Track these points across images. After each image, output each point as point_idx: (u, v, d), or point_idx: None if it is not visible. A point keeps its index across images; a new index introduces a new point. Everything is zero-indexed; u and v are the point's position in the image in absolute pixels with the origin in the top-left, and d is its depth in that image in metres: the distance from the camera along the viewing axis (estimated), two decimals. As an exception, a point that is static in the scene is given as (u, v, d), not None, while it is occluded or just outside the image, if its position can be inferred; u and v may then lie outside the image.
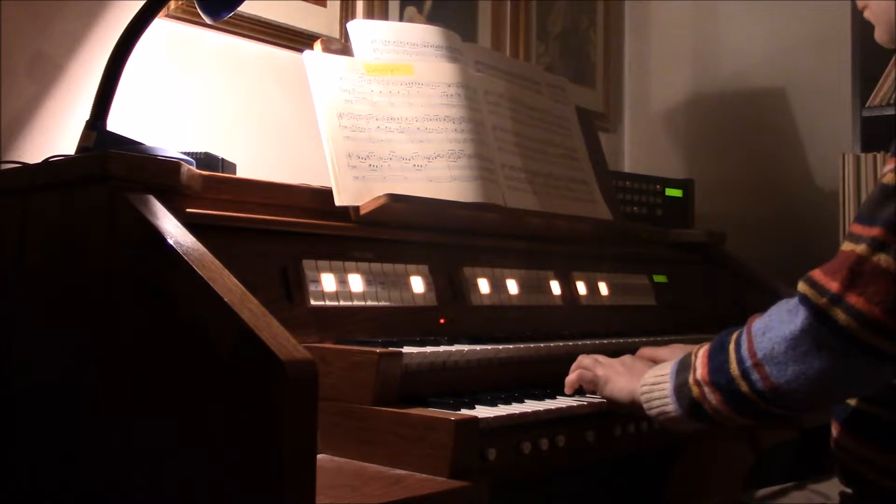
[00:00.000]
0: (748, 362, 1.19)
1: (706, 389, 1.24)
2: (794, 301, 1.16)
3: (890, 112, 2.46)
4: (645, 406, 1.34)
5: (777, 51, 2.93)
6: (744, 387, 1.19)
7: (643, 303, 2.14)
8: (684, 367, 1.29)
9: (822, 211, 2.71)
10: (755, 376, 1.18)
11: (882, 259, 1.10)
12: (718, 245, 2.42)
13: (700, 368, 1.26)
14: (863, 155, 2.47)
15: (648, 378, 1.35)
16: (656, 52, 3.24)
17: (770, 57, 2.94)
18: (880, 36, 1.40)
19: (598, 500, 1.89)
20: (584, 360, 1.50)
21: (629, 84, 3.30)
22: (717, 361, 1.23)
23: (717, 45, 3.08)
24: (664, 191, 2.56)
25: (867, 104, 2.51)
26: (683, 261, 2.35)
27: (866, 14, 1.41)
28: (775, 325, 1.17)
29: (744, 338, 1.21)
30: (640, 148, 3.27)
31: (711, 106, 3.08)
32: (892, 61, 2.44)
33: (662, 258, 2.29)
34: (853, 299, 1.10)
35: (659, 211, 2.53)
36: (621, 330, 1.93)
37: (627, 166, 3.25)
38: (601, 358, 1.49)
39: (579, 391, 1.53)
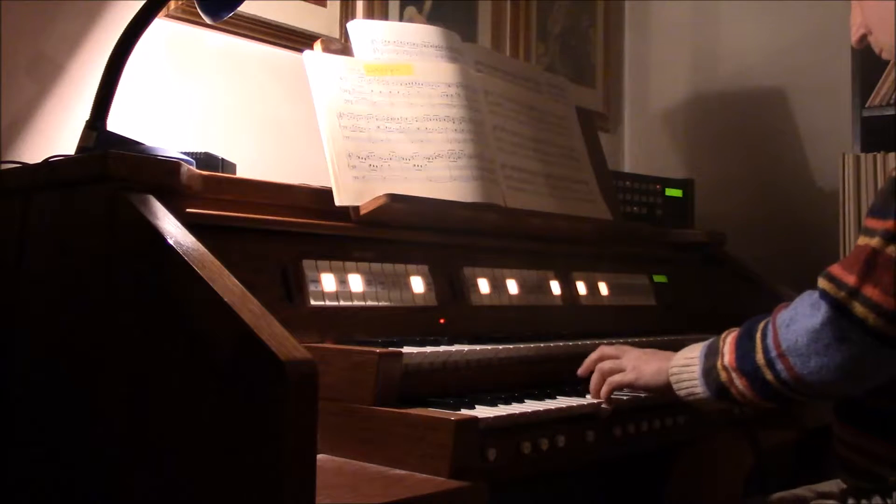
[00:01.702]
0: (773, 352, 1.24)
1: (733, 375, 1.31)
2: (817, 295, 1.22)
3: (890, 112, 2.46)
4: (675, 387, 1.40)
5: (777, 51, 2.92)
6: (769, 375, 1.25)
7: (643, 303, 2.14)
8: (713, 351, 1.35)
9: (822, 211, 2.71)
10: (780, 366, 1.24)
11: (894, 250, 1.14)
12: (718, 245, 2.42)
13: (728, 355, 1.32)
14: (863, 155, 2.46)
15: (679, 360, 1.41)
16: (656, 52, 3.24)
17: (770, 57, 2.94)
18: (889, 53, 1.43)
19: (598, 500, 1.89)
20: (606, 349, 1.54)
21: (629, 84, 3.30)
22: (744, 349, 1.29)
23: (717, 45, 3.08)
24: (664, 191, 2.56)
25: (867, 104, 2.51)
26: (683, 261, 2.35)
27: (884, 56, 1.44)
28: (799, 319, 1.22)
29: (769, 328, 1.26)
30: (640, 148, 3.27)
31: (711, 106, 3.08)
32: (892, 61, 2.44)
33: (662, 258, 2.29)
34: (869, 291, 1.15)
35: (659, 211, 2.53)
36: (621, 330, 1.93)
37: (627, 166, 3.25)
38: (624, 347, 1.53)
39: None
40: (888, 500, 1.30)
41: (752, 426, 1.88)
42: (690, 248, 2.38)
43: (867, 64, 2.50)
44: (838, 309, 1.17)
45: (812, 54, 2.83)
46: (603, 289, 2.02)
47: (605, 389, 1.48)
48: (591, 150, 2.17)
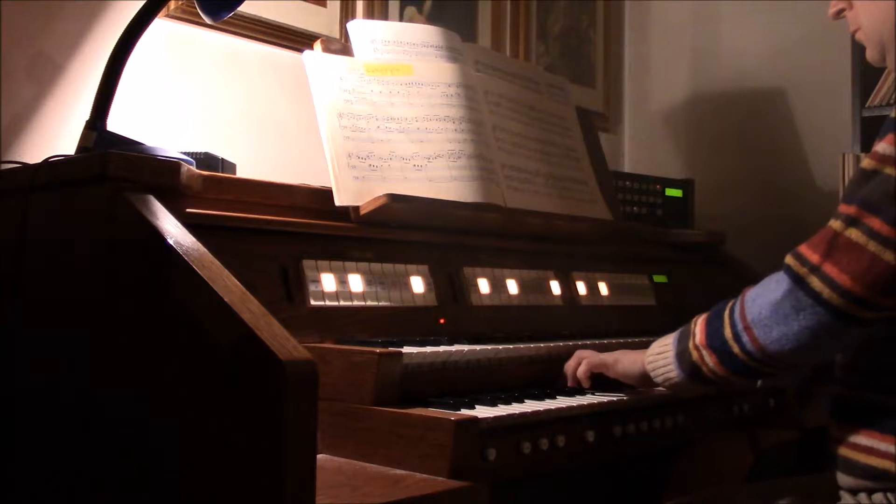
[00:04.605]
0: (739, 326, 1.33)
1: (704, 353, 1.38)
2: (782, 272, 1.31)
3: (890, 112, 2.46)
4: (652, 374, 1.48)
5: (777, 51, 2.92)
6: (735, 348, 1.33)
7: (643, 303, 2.14)
8: (685, 335, 1.43)
9: (822, 211, 2.68)
10: (745, 338, 1.32)
11: (853, 233, 1.23)
12: (718, 245, 2.42)
13: (699, 334, 1.40)
14: (863, 155, 2.46)
15: (654, 349, 1.49)
16: (656, 52, 3.24)
17: (770, 57, 2.94)
18: (871, 56, 1.50)
19: (598, 500, 1.89)
20: (582, 352, 1.62)
21: (629, 84, 3.30)
22: (713, 327, 1.38)
23: (717, 45, 3.08)
24: (664, 191, 2.56)
25: (867, 104, 2.51)
26: (683, 261, 2.35)
27: (858, 36, 1.52)
28: (763, 293, 1.32)
29: (737, 305, 1.35)
30: (640, 148, 3.26)
31: (711, 106, 3.08)
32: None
33: (662, 258, 2.29)
34: (828, 269, 1.24)
35: (659, 211, 2.53)
36: (621, 330, 1.93)
37: (627, 166, 3.25)
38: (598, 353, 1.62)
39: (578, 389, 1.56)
40: (889, 496, 1.30)
41: (752, 426, 1.88)
42: (690, 248, 2.38)
43: (867, 64, 2.49)
44: (798, 282, 1.26)
45: (812, 54, 2.83)
46: (603, 289, 2.02)
47: (582, 368, 1.58)
48: (591, 150, 2.17)
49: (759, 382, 1.72)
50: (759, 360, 1.32)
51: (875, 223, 1.22)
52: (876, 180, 1.25)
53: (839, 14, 1.53)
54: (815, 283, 1.24)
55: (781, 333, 1.27)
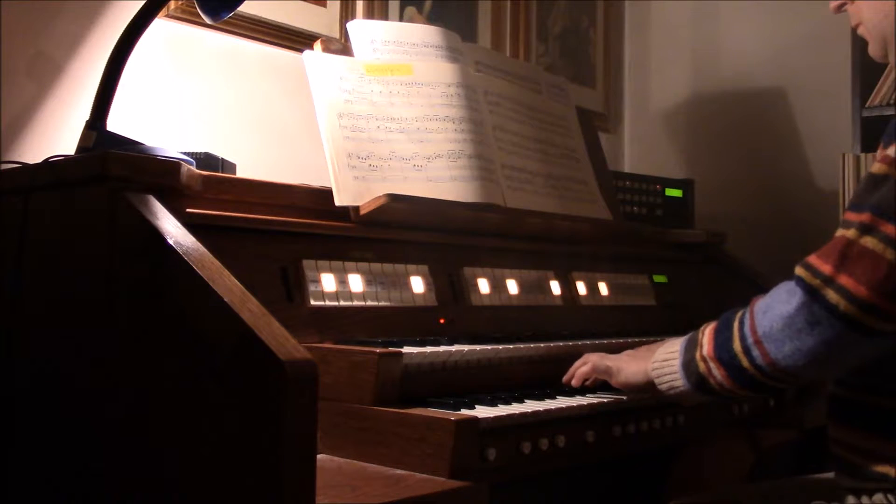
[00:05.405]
0: (750, 339, 1.28)
1: (712, 365, 1.34)
2: (793, 283, 1.26)
3: (890, 112, 2.46)
4: (656, 382, 1.43)
5: (777, 51, 2.92)
6: (745, 362, 1.29)
7: (643, 303, 2.14)
8: (692, 344, 1.39)
9: (822, 211, 2.71)
10: (756, 352, 1.27)
11: (868, 241, 1.19)
12: (718, 245, 2.42)
13: (706, 345, 1.35)
14: (863, 155, 2.46)
15: (659, 356, 1.44)
16: (656, 52, 3.24)
17: (770, 57, 2.94)
18: (874, 51, 1.49)
19: (598, 500, 1.89)
20: (590, 355, 1.57)
21: (629, 84, 3.30)
22: (722, 338, 1.33)
23: (717, 45, 3.08)
24: (664, 191, 2.56)
25: (867, 104, 2.50)
26: (683, 261, 2.35)
27: (860, 31, 1.49)
28: (774, 306, 1.26)
29: (747, 317, 1.30)
30: (640, 148, 3.26)
31: (711, 106, 3.08)
32: (892, 63, 2.44)
33: (662, 258, 2.29)
34: (843, 280, 1.19)
35: (659, 211, 2.53)
36: (621, 330, 1.93)
37: (627, 166, 3.25)
38: (606, 354, 1.56)
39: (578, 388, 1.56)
40: (890, 497, 1.30)
41: (752, 426, 1.88)
42: (690, 248, 2.38)
43: (867, 64, 2.50)
44: (812, 295, 1.21)
45: (812, 54, 2.83)
46: (603, 289, 2.02)
47: (584, 369, 1.53)
48: (591, 150, 2.17)
49: None
50: (770, 375, 1.27)
51: (891, 230, 1.18)
52: (888, 185, 1.22)
53: (841, 8, 1.50)
54: (831, 295, 1.19)
55: (795, 348, 1.23)
